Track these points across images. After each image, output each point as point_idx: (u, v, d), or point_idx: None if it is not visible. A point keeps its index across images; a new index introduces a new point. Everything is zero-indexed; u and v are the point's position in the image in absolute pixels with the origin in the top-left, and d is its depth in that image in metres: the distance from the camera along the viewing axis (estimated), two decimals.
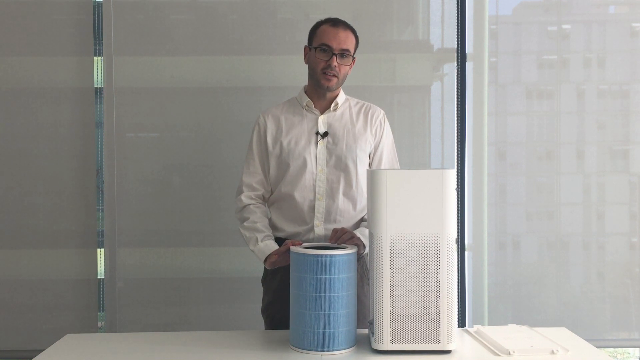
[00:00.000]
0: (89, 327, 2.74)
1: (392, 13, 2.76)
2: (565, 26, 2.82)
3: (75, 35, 2.71)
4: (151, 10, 2.72)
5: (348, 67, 2.05)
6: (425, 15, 2.78)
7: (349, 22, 2.08)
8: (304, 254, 1.66)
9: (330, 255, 1.64)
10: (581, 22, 2.84)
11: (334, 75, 2.01)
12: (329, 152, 2.05)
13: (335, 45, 2.00)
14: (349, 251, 1.68)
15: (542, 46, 2.82)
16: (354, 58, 2.07)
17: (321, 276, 1.63)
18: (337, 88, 2.08)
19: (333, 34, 2.01)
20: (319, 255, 1.64)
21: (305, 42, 2.10)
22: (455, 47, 2.74)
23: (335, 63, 2.00)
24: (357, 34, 2.07)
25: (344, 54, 2.01)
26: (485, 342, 1.72)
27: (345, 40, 2.01)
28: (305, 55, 2.11)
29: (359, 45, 2.12)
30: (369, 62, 2.71)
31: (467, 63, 2.73)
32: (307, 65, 2.09)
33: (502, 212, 2.81)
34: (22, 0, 2.71)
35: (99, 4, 2.70)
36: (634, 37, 2.82)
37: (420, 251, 1.60)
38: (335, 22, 2.04)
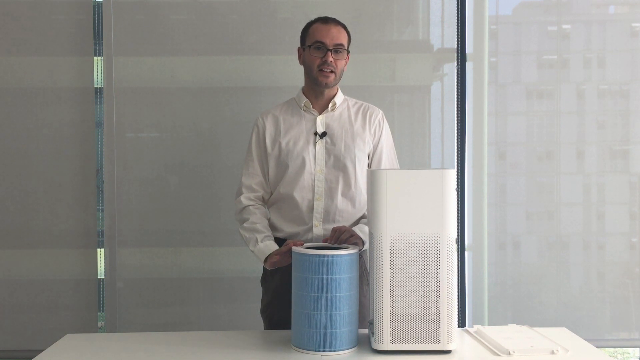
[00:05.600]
0: (89, 327, 2.74)
1: (392, 13, 2.76)
2: (565, 26, 2.82)
3: (75, 35, 2.71)
4: (151, 10, 2.72)
5: (343, 63, 2.05)
6: (425, 15, 2.78)
7: (349, 22, 2.08)
8: (306, 254, 1.66)
9: (332, 255, 1.64)
10: (581, 22, 2.84)
11: (331, 72, 2.01)
12: (328, 152, 2.05)
13: (329, 41, 2.00)
14: (351, 251, 1.68)
15: (542, 46, 2.82)
16: (348, 53, 2.07)
17: (323, 276, 1.63)
18: (335, 85, 2.08)
19: (325, 31, 2.01)
20: (321, 256, 1.64)
21: None
22: (455, 47, 2.74)
23: (330, 59, 2.00)
24: (349, 31, 2.08)
25: (338, 49, 2.02)
26: (485, 342, 1.72)
27: (338, 36, 2.02)
28: (299, 57, 2.11)
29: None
30: (369, 62, 2.71)
31: (467, 63, 2.73)
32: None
33: (502, 212, 2.81)
34: (22, 0, 2.71)
35: (99, 4, 2.70)
36: (634, 37, 2.82)
37: (420, 251, 1.60)
38: (325, 20, 2.05)
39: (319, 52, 2.02)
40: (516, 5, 2.85)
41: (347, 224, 2.04)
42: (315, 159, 2.05)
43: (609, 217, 2.82)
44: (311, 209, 2.04)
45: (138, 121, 2.73)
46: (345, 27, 2.07)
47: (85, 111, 2.73)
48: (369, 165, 2.11)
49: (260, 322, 2.19)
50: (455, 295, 1.61)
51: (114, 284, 2.72)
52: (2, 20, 2.70)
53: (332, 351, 1.63)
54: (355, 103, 2.15)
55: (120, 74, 2.71)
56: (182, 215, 2.73)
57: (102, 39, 2.69)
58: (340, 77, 2.08)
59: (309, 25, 2.08)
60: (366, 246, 1.95)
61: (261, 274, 2.19)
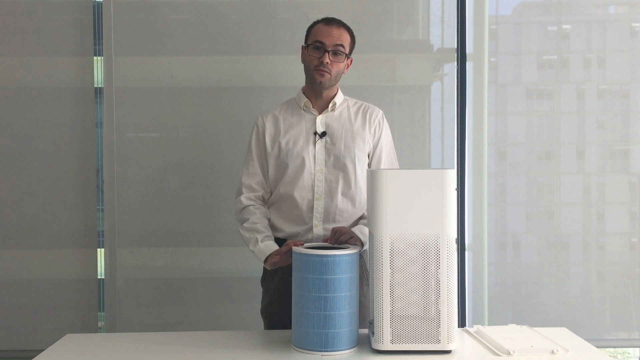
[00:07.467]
0: (89, 327, 2.74)
1: (392, 13, 2.76)
2: (565, 26, 2.82)
3: (75, 35, 2.72)
4: (151, 10, 2.72)
5: (342, 65, 2.04)
6: (425, 15, 2.79)
7: (349, 22, 2.08)
8: (306, 255, 1.66)
9: (333, 255, 1.64)
10: (581, 22, 2.84)
11: (327, 72, 2.01)
12: (327, 152, 2.05)
13: (327, 42, 2.00)
14: (351, 251, 1.68)
15: (542, 46, 2.82)
16: (349, 57, 2.07)
17: (324, 276, 1.63)
18: (332, 86, 2.07)
19: (326, 32, 2.01)
20: (321, 256, 1.64)
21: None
22: (455, 47, 2.74)
23: (327, 60, 2.00)
24: (354, 34, 2.07)
25: (337, 51, 2.01)
26: (485, 342, 1.72)
27: (339, 37, 2.01)
28: (302, 55, 2.11)
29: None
30: (369, 62, 2.71)
31: (467, 63, 2.73)
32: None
33: (502, 212, 2.82)
34: (22, 0, 2.71)
35: (99, 4, 2.70)
36: (634, 37, 2.82)
37: (420, 251, 1.60)
38: (329, 21, 2.04)
39: (317, 52, 2.02)
40: (516, 5, 2.85)
41: (347, 223, 2.04)
42: (315, 158, 2.05)
43: (609, 217, 2.82)
44: (311, 208, 2.04)
45: (138, 121, 2.73)
46: (349, 30, 2.06)
47: (85, 111, 2.73)
48: (369, 165, 2.10)
49: (260, 322, 2.20)
50: (455, 295, 1.61)
51: (114, 284, 2.72)
52: (2, 20, 2.70)
53: (332, 351, 1.63)
54: (355, 103, 2.15)
55: (120, 74, 2.71)
56: (182, 215, 2.73)
57: (102, 39, 2.70)
58: (338, 79, 2.07)
59: (313, 24, 2.08)
60: (365, 247, 1.94)
61: (261, 274, 2.19)
